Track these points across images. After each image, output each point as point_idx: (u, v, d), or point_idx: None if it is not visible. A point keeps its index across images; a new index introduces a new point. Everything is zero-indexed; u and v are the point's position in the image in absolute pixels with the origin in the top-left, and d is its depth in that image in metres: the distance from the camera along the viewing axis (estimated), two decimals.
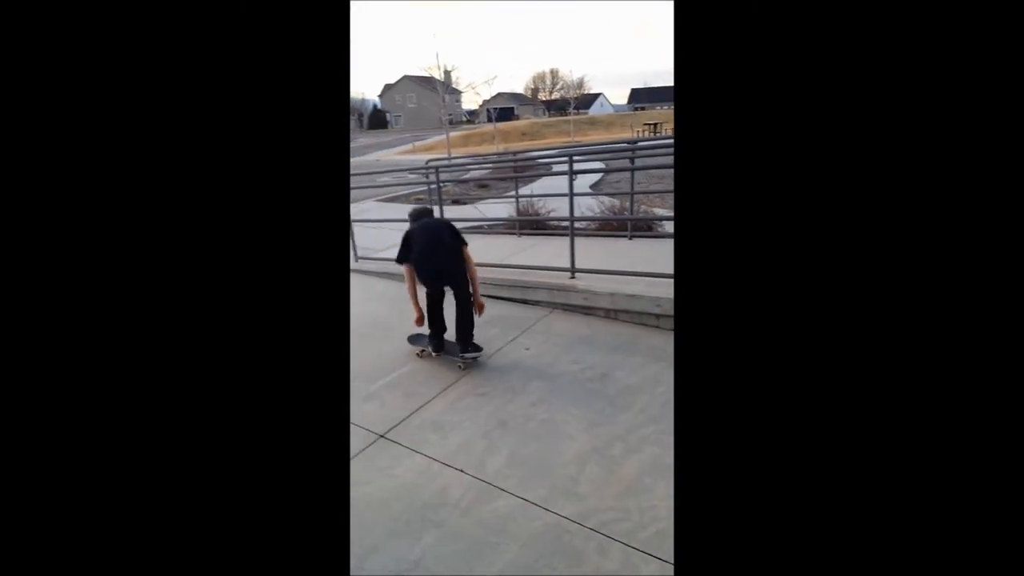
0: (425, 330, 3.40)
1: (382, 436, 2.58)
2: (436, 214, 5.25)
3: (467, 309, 3.26)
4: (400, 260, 3.25)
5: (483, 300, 3.35)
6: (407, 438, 2.55)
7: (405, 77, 54.47)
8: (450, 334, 3.38)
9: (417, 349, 3.50)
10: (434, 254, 3.17)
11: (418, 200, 9.79)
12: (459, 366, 3.25)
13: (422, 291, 3.30)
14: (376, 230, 6.44)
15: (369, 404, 2.89)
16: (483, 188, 10.79)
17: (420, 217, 3.38)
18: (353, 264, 5.59)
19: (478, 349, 3.28)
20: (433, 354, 3.39)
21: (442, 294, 3.35)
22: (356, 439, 2.56)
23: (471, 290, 3.27)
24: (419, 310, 3.31)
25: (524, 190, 7.56)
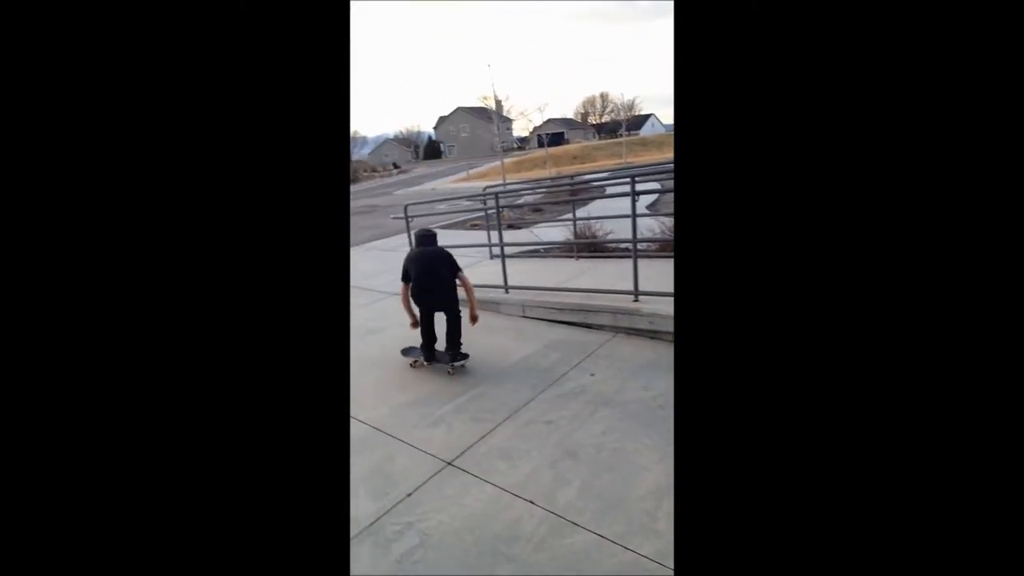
0: (416, 341, 3.76)
1: (450, 464, 2.56)
2: (494, 238, 5.29)
3: (455, 321, 3.62)
4: (403, 279, 3.67)
5: (478, 313, 3.78)
6: (475, 466, 2.51)
7: (459, 109, 56.53)
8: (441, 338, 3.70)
9: (410, 360, 3.82)
10: (430, 287, 3.56)
11: (474, 226, 9.96)
12: (448, 371, 3.59)
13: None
14: None
15: (436, 429, 2.89)
16: (537, 212, 10.86)
17: (423, 241, 3.67)
18: None
19: (464, 356, 3.63)
20: (424, 363, 3.73)
21: (433, 313, 3.72)
22: (425, 466, 2.55)
23: (469, 304, 3.67)
24: (413, 317, 3.72)
25: (579, 213, 7.54)
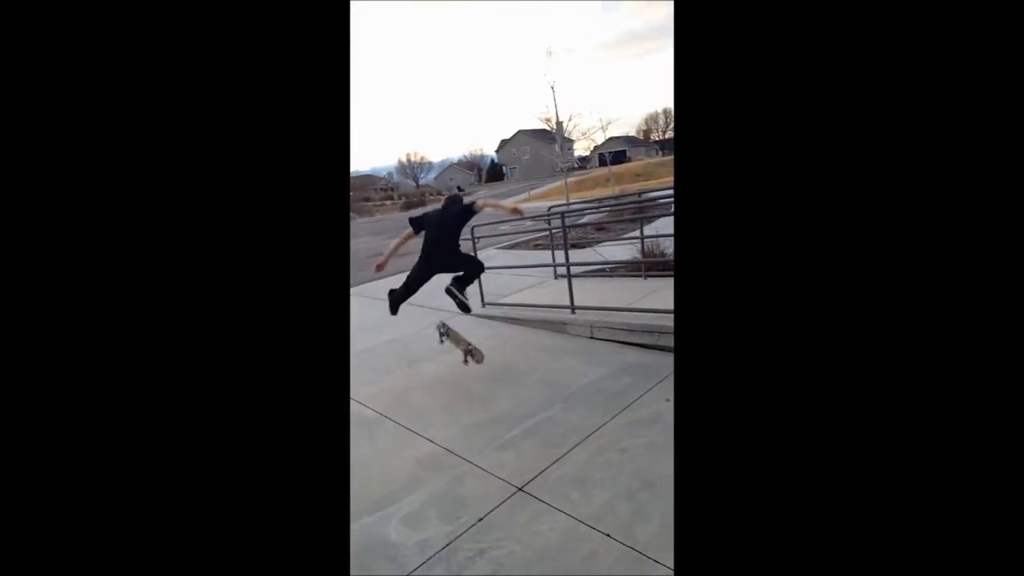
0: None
1: (520, 489, 2.49)
2: (558, 258, 5.23)
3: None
4: (413, 225, 3.84)
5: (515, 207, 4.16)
6: (547, 493, 2.43)
7: (520, 131, 57.60)
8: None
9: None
10: (434, 258, 3.74)
11: (537, 246, 9.97)
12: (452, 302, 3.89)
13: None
14: (498, 276, 6.62)
15: (505, 453, 2.83)
16: (601, 231, 10.71)
17: (449, 204, 3.90)
18: (480, 310, 5.77)
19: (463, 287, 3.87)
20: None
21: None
22: (494, 490, 2.50)
23: (505, 208, 4.13)
24: (385, 260, 3.94)
25: (646, 231, 7.34)
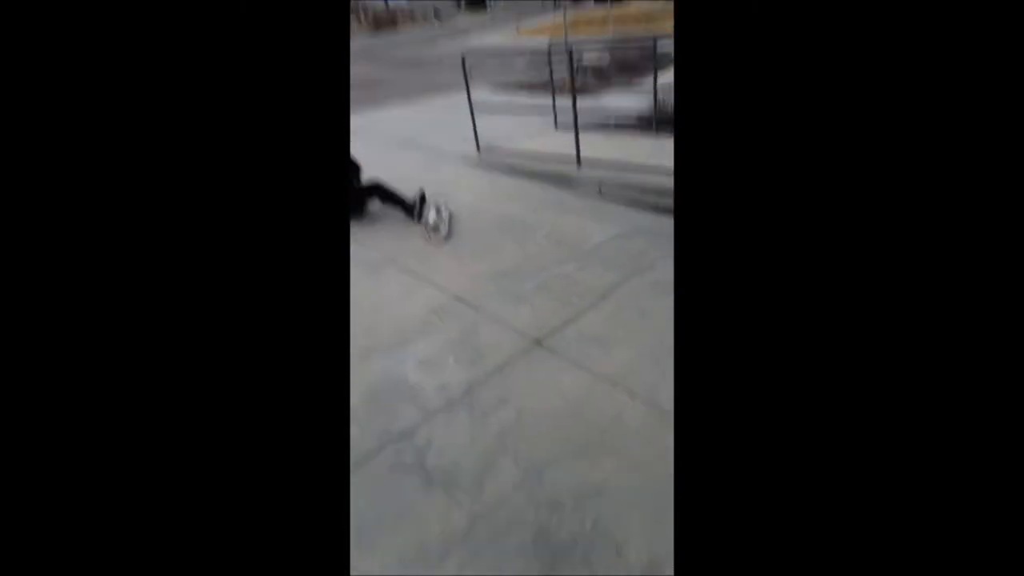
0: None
1: (539, 344, 2.45)
2: (561, 104, 4.71)
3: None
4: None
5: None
6: (567, 349, 2.40)
7: None
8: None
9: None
10: None
11: (531, 88, 9.07)
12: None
13: None
14: (493, 119, 6.00)
15: (521, 307, 2.75)
16: (602, 79, 9.76)
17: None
18: (476, 156, 5.32)
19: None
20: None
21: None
22: (510, 342, 2.46)
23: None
24: None
25: (652, 81, 6.65)
